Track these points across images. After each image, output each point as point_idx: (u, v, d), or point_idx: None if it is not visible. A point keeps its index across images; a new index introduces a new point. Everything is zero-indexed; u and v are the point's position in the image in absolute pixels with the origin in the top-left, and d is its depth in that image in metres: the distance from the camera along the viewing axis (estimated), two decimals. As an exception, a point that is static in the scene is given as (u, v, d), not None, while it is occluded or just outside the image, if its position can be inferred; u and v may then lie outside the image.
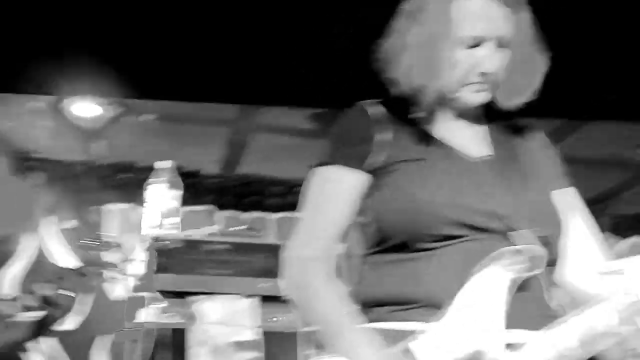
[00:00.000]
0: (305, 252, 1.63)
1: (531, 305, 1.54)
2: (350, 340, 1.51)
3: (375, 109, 1.71)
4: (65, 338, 5.12)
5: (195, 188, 5.53)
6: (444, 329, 1.47)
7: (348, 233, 1.67)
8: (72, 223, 5.32)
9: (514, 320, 1.47)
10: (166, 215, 3.52)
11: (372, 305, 1.60)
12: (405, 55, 1.65)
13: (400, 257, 1.60)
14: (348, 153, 1.67)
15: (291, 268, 1.65)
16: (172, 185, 3.59)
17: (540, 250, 1.51)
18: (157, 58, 3.90)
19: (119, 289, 5.24)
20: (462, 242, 1.55)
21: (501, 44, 1.67)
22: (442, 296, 1.50)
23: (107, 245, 2.47)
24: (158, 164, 3.57)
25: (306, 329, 3.34)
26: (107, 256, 2.44)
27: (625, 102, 4.06)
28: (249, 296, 3.33)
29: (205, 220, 5.13)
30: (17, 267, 5.22)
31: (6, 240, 5.19)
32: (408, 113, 1.72)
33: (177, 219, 3.55)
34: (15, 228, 5.25)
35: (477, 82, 1.66)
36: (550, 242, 1.61)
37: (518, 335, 1.49)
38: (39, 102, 4.57)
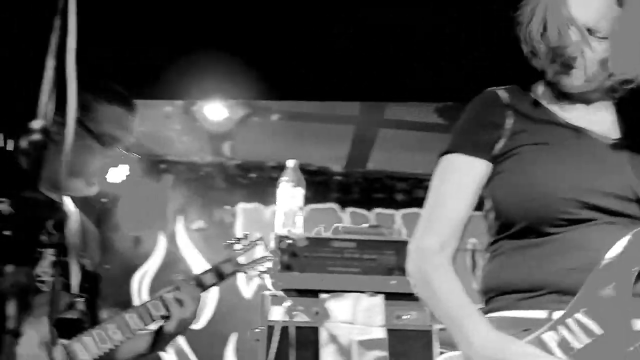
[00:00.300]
0: (424, 243, 1.63)
1: None
2: (470, 329, 1.47)
3: (501, 94, 1.68)
4: (194, 337, 5.29)
5: (321, 186, 5.56)
6: (580, 320, 1.41)
7: (468, 222, 1.65)
8: (203, 223, 5.48)
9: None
10: (291, 214, 3.55)
11: (497, 294, 1.57)
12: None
13: (524, 243, 1.56)
14: (473, 140, 1.65)
15: (411, 259, 1.65)
16: (296, 184, 3.62)
17: None
18: (282, 58, 3.92)
19: (250, 287, 5.36)
20: (590, 225, 1.51)
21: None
22: (570, 282, 1.45)
23: (243, 244, 2.49)
24: (288, 163, 3.61)
25: (437, 325, 3.28)
26: (243, 255, 2.46)
27: None
28: (376, 294, 3.30)
29: (330, 218, 5.15)
30: (149, 267, 5.44)
31: (140, 240, 5.42)
32: (533, 98, 1.69)
33: (301, 218, 3.57)
34: (148, 229, 5.47)
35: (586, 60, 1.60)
36: None
37: None
38: (170, 106, 4.71)
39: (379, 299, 3.26)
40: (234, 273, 2.39)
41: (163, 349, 2.34)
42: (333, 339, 3.18)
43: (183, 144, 5.24)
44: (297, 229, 3.49)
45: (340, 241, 3.41)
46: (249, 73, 3.88)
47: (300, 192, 3.61)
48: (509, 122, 1.63)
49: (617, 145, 1.62)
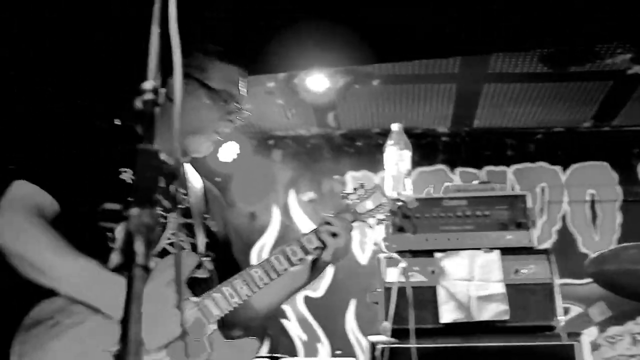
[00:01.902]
0: None
1: None
2: None
3: None
4: (314, 305, 5.41)
5: (428, 148, 5.53)
6: None
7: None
8: (313, 194, 5.57)
9: None
10: (400, 177, 3.56)
11: None
12: None
13: None
14: None
15: None
16: (403, 147, 3.62)
17: None
18: (378, 20, 3.89)
19: (365, 254, 5.43)
20: None
21: None
22: None
23: (359, 194, 2.53)
24: (393, 127, 3.61)
25: (559, 280, 3.23)
26: (359, 204, 2.50)
27: None
28: (490, 249, 3.28)
29: (440, 179, 5.12)
30: (266, 240, 5.57)
31: (255, 215, 5.56)
32: None
33: (410, 181, 3.57)
34: (261, 203, 5.61)
35: None
36: None
37: None
38: (272, 81, 4.79)
39: (495, 255, 3.24)
40: (352, 222, 2.43)
41: (316, 278, 2.44)
42: (451, 296, 3.19)
43: (288, 118, 5.32)
44: (407, 192, 3.49)
45: (451, 200, 3.41)
46: (347, 39, 3.87)
47: (407, 155, 3.60)
48: None
49: None
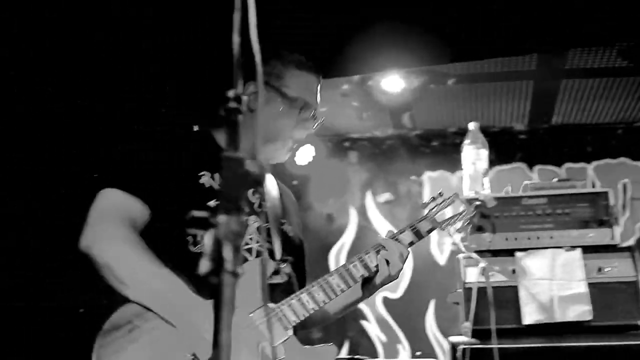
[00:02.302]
0: None
1: None
2: None
3: None
4: (393, 306, 5.41)
5: (506, 146, 5.46)
6: None
7: None
8: (390, 196, 5.57)
9: None
10: (478, 176, 3.54)
11: None
12: None
13: None
14: None
15: None
16: (480, 146, 3.60)
17: None
18: (453, 19, 3.87)
19: (444, 255, 5.39)
20: None
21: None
22: None
23: (437, 202, 2.53)
24: (469, 126, 3.59)
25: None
26: (438, 212, 2.51)
27: None
28: (572, 248, 3.23)
29: (519, 178, 5.05)
30: (344, 242, 5.60)
31: (332, 218, 5.59)
32: None
33: (488, 179, 3.55)
34: (338, 205, 5.64)
35: None
36: None
37: None
38: (347, 84, 4.81)
39: (577, 253, 3.19)
40: (431, 230, 2.44)
41: (367, 298, 2.46)
42: (533, 297, 3.15)
43: (364, 120, 5.34)
44: (485, 191, 3.47)
45: (530, 198, 3.37)
46: (422, 39, 3.87)
47: (484, 154, 3.59)
48: None
49: None
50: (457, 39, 3.83)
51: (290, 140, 2.36)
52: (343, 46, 3.90)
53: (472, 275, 3.19)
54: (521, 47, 4.11)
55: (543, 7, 3.60)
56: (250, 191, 2.27)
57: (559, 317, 3.10)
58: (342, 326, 5.35)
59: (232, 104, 1.20)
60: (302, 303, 2.17)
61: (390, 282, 2.35)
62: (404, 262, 2.34)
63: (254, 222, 2.23)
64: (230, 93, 1.20)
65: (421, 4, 3.58)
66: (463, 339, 3.11)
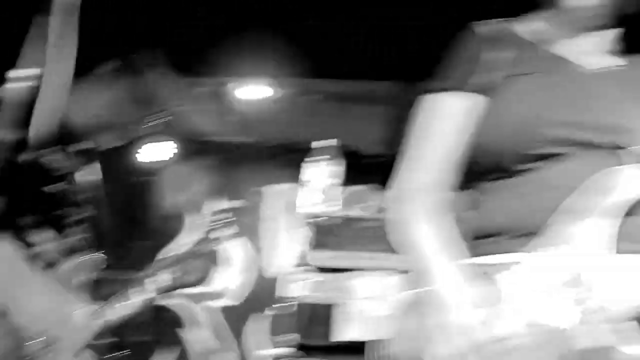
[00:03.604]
0: (408, 185, 1.54)
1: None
2: (439, 278, 1.41)
3: (487, 28, 1.60)
4: (227, 313, 5.31)
5: (359, 167, 5.50)
6: (539, 257, 1.37)
7: (461, 162, 1.55)
8: (238, 204, 5.49)
9: (625, 245, 1.36)
10: (326, 193, 3.52)
11: (478, 237, 1.50)
12: None
13: (501, 183, 1.48)
14: (456, 76, 1.56)
15: (391, 203, 1.56)
16: (333, 164, 3.59)
17: None
18: (318, 38, 3.88)
19: (275, 265, 5.35)
20: (560, 160, 1.43)
21: None
22: (537, 222, 1.39)
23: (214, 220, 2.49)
24: (318, 144, 3.59)
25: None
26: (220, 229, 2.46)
27: None
28: (403, 272, 3.26)
29: (366, 199, 5.10)
30: (177, 244, 5.45)
31: (173, 218, 5.44)
32: (522, 27, 1.62)
33: (338, 197, 3.54)
34: (184, 209, 5.48)
35: None
36: None
37: (626, 260, 1.37)
38: (207, 85, 4.71)
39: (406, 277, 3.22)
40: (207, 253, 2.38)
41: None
42: (356, 314, 3.17)
43: (220, 125, 5.24)
44: (334, 208, 3.46)
45: (370, 221, 3.39)
46: (287, 52, 3.84)
47: (337, 172, 3.58)
48: (489, 56, 1.54)
49: (610, 74, 1.54)
50: (317, 55, 3.83)
51: (128, 130, 2.25)
52: (206, 48, 3.82)
53: (301, 290, 3.17)
54: (382, 74, 4.17)
55: (401, 38, 3.67)
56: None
57: (380, 335, 3.12)
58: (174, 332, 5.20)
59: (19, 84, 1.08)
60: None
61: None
62: (202, 273, 2.27)
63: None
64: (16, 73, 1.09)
65: (282, 17, 3.56)
66: (284, 351, 3.08)
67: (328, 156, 3.61)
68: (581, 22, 1.59)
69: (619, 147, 1.44)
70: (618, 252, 1.36)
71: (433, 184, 1.53)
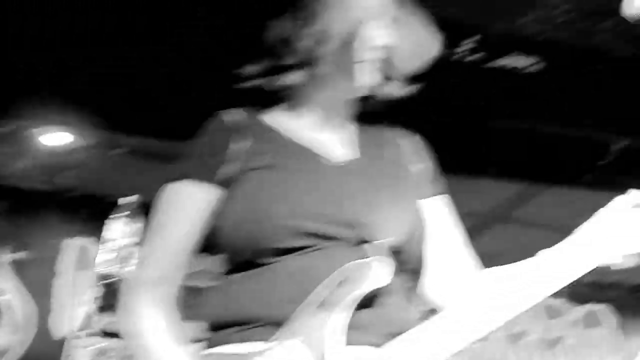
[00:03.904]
0: (141, 275, 1.52)
1: (375, 320, 1.44)
2: None
3: (234, 116, 1.61)
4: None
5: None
6: (281, 349, 1.37)
7: (195, 253, 1.54)
8: (26, 255, 5.17)
9: (356, 336, 1.39)
10: (123, 251, 3.42)
11: (216, 328, 1.48)
12: (302, 33, 1.55)
13: (244, 275, 1.48)
14: (198, 166, 1.55)
15: (124, 293, 1.53)
16: (133, 222, 3.50)
17: (388, 263, 1.42)
18: (127, 93, 3.82)
19: (63, 326, 5.07)
20: (311, 253, 1.45)
21: (394, 19, 1.60)
22: (284, 313, 1.40)
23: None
24: (122, 199, 3.49)
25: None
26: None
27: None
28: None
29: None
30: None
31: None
32: (265, 119, 1.63)
33: (134, 257, 3.43)
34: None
35: (371, 60, 1.57)
36: (407, 252, 1.54)
37: (360, 352, 1.40)
38: (6, 128, 4.46)
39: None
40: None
41: None
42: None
43: (17, 170, 4.96)
44: (128, 269, 3.35)
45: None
46: (93, 105, 3.75)
47: (136, 229, 3.49)
48: (235, 146, 1.54)
49: (349, 167, 1.57)
50: (119, 110, 3.77)
51: None
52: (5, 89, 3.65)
53: (85, 355, 3.03)
54: (188, 133, 4.14)
55: (209, 101, 3.68)
56: None
57: None
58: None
59: None
60: None
61: None
62: None
63: None
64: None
65: (80, 70, 3.48)
66: None
67: (129, 213, 3.51)
68: (325, 114, 1.63)
69: (363, 241, 1.47)
70: (348, 343, 1.38)
71: (163, 276, 1.51)
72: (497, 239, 5.52)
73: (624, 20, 1.62)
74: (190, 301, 3.22)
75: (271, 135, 1.59)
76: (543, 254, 1.47)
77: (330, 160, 1.57)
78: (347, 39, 1.55)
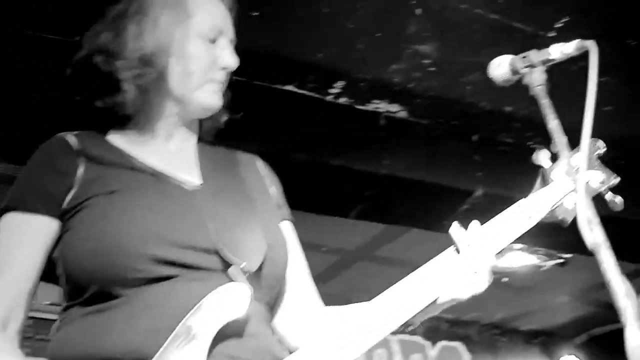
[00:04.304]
0: None
1: (240, 350, 1.37)
2: None
3: (71, 139, 1.50)
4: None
5: None
6: None
7: (34, 289, 1.44)
8: None
9: None
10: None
11: None
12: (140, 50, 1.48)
13: (96, 308, 1.37)
14: (37, 195, 1.44)
15: None
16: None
17: (245, 290, 1.36)
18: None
19: None
20: (169, 282, 1.35)
21: (231, 42, 1.60)
22: (148, 345, 1.29)
23: None
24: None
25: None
26: None
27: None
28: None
29: None
30: None
31: None
32: (110, 142, 1.55)
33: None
34: None
35: (216, 81, 1.55)
36: (266, 278, 1.47)
37: None
38: None
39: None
40: None
41: None
42: None
43: None
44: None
45: None
46: None
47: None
48: (80, 171, 1.44)
49: (199, 192, 1.49)
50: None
51: None
52: None
53: None
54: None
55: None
56: None
57: None
58: None
59: None
60: None
61: None
62: None
63: None
64: None
65: None
66: None
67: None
68: (171, 135, 1.57)
69: (222, 268, 1.40)
70: None
71: (6, 318, 1.40)
72: (360, 277, 5.59)
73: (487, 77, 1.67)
74: (35, 336, 3.05)
75: (117, 158, 1.49)
76: (386, 292, 1.45)
77: (182, 185, 1.49)
78: (188, 59, 1.51)
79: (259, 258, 1.45)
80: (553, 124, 1.43)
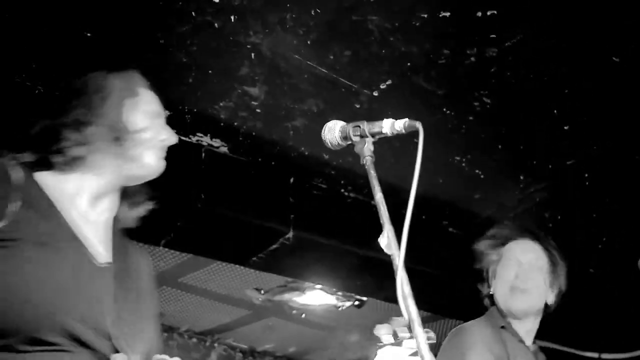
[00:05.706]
0: None
1: None
2: None
3: (15, 172, 1.49)
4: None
5: None
6: None
7: None
8: None
9: None
10: None
11: None
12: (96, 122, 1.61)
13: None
14: None
15: None
16: None
17: None
18: None
19: None
20: (55, 351, 1.36)
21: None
22: None
23: None
24: None
25: None
26: None
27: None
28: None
29: None
30: None
31: None
32: (43, 179, 1.55)
33: None
34: None
35: (161, 148, 1.70)
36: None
37: None
38: None
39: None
40: None
41: None
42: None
43: None
44: None
45: None
46: None
47: None
48: (13, 207, 1.41)
49: (107, 272, 1.53)
50: None
51: None
52: None
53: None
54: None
55: None
56: None
57: None
58: None
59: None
60: None
61: None
62: None
63: None
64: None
65: None
66: None
67: None
68: (97, 196, 1.62)
69: (111, 352, 1.44)
70: None
71: None
72: (162, 302, 5.52)
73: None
74: None
75: (47, 209, 1.47)
76: None
77: (95, 259, 1.51)
78: (142, 128, 1.65)
79: (144, 352, 1.51)
80: (378, 196, 1.53)
